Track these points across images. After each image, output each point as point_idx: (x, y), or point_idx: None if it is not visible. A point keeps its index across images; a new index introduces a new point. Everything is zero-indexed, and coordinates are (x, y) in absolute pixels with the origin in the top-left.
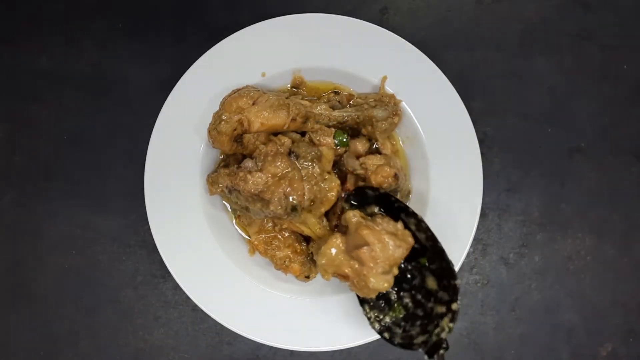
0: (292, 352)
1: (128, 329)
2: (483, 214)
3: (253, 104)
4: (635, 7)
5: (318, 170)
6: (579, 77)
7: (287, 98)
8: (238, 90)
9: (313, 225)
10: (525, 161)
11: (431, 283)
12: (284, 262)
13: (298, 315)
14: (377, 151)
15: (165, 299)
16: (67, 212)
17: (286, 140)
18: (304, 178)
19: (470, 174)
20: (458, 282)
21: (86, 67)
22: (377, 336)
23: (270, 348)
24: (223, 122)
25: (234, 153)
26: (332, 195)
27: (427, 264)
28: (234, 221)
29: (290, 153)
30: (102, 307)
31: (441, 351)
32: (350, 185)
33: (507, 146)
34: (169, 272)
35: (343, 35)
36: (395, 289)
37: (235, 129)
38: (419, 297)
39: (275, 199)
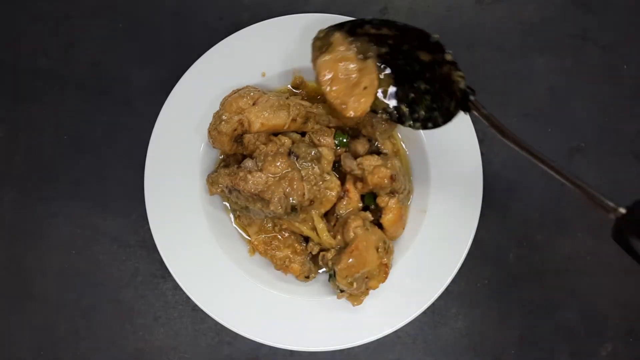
0: (292, 352)
1: (128, 329)
2: (483, 214)
3: (253, 104)
4: (635, 7)
5: (318, 170)
6: (579, 77)
7: (287, 98)
8: (238, 90)
9: (321, 231)
10: (525, 161)
11: (424, 56)
12: (284, 262)
13: (298, 315)
14: (378, 151)
15: (165, 299)
16: (67, 212)
17: (286, 141)
18: (304, 178)
19: (470, 174)
20: (435, 36)
21: (86, 67)
22: (377, 336)
23: (270, 348)
24: (223, 122)
25: (234, 153)
26: (332, 195)
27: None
28: (233, 221)
29: (290, 153)
30: (102, 307)
31: (471, 97)
32: (349, 185)
33: (507, 146)
34: (169, 272)
35: None
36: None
37: (235, 129)
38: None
39: (275, 199)
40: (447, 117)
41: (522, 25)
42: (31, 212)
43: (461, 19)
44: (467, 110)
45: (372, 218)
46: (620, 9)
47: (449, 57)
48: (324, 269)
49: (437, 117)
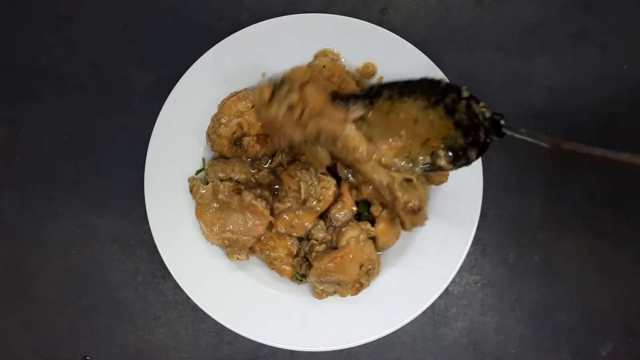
0: (292, 352)
1: (128, 329)
2: (483, 214)
3: (252, 107)
4: (635, 7)
5: (313, 170)
6: (579, 77)
7: None
8: (237, 93)
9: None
10: (525, 161)
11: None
12: (277, 261)
13: (298, 315)
14: None
15: (165, 299)
16: (67, 212)
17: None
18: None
19: (470, 174)
20: (443, 81)
21: (86, 67)
22: (377, 336)
23: (270, 348)
24: (222, 126)
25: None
26: (329, 194)
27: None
28: None
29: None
30: (102, 307)
31: (502, 121)
32: (344, 190)
33: (507, 146)
34: (169, 272)
35: (343, 35)
36: None
37: (234, 132)
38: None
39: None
40: (480, 151)
41: (522, 25)
42: (31, 212)
43: (461, 19)
44: (501, 136)
45: (372, 231)
46: (620, 9)
47: (465, 93)
48: None
49: (472, 155)
